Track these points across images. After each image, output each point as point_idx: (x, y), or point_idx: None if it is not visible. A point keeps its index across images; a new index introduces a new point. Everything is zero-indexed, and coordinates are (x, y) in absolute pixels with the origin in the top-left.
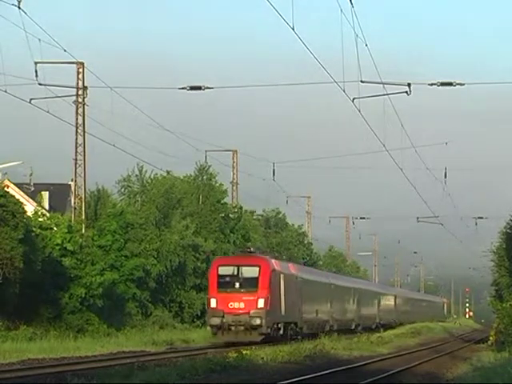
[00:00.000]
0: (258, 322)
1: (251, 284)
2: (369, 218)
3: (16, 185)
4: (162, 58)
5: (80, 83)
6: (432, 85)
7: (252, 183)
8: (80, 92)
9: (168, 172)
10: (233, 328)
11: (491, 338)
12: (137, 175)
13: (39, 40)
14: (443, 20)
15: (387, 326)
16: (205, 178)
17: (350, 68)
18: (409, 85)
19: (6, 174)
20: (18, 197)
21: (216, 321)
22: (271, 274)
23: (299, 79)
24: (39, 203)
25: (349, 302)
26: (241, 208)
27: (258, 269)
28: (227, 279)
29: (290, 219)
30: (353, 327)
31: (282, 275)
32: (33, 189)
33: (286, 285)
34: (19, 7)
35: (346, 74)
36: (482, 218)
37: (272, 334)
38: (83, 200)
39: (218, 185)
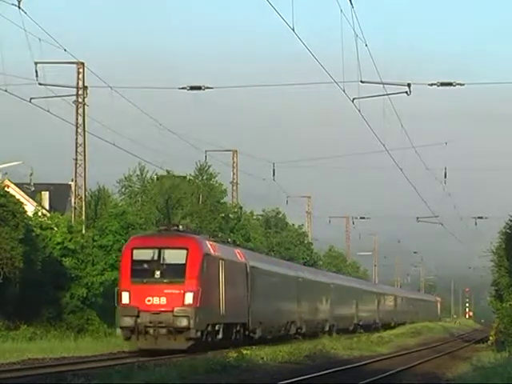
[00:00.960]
0: (184, 322)
1: (176, 273)
2: (369, 218)
3: (16, 185)
4: (163, 58)
5: (80, 83)
6: (432, 85)
7: (252, 183)
8: (80, 92)
9: (168, 172)
10: (151, 331)
11: (491, 338)
12: (138, 175)
13: (39, 40)
14: (443, 20)
15: (369, 329)
16: (205, 177)
17: (350, 68)
18: (409, 85)
19: (6, 173)
20: (18, 197)
21: (128, 321)
22: (204, 259)
23: (299, 79)
24: (39, 203)
25: (321, 299)
26: (241, 208)
27: (185, 252)
28: (145, 266)
29: (289, 219)
30: (326, 329)
31: (221, 262)
32: (33, 189)
33: (229, 275)
34: (19, 7)
35: (345, 74)
36: (481, 217)
37: (205, 338)
38: (83, 200)
39: (217, 185)
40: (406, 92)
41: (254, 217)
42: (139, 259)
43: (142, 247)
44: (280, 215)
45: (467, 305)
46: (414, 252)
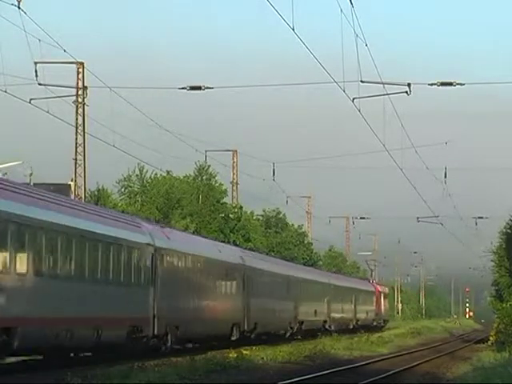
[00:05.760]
0: None
1: None
2: (369, 218)
3: None
4: (163, 58)
5: (80, 83)
6: (432, 85)
7: (252, 183)
8: (80, 92)
9: (168, 172)
10: None
11: (491, 338)
12: (137, 175)
13: (39, 40)
14: (443, 20)
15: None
16: (204, 178)
17: (350, 68)
18: (409, 85)
19: (5, 174)
20: None
21: None
22: None
23: (299, 79)
24: None
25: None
26: (241, 208)
27: None
28: None
29: (290, 219)
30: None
31: None
32: None
33: None
34: (19, 7)
35: (346, 74)
36: (482, 217)
37: None
38: (83, 200)
39: (217, 185)
40: (406, 92)
41: (254, 217)
42: None
43: None
44: (280, 215)
45: (467, 305)
46: (414, 252)
